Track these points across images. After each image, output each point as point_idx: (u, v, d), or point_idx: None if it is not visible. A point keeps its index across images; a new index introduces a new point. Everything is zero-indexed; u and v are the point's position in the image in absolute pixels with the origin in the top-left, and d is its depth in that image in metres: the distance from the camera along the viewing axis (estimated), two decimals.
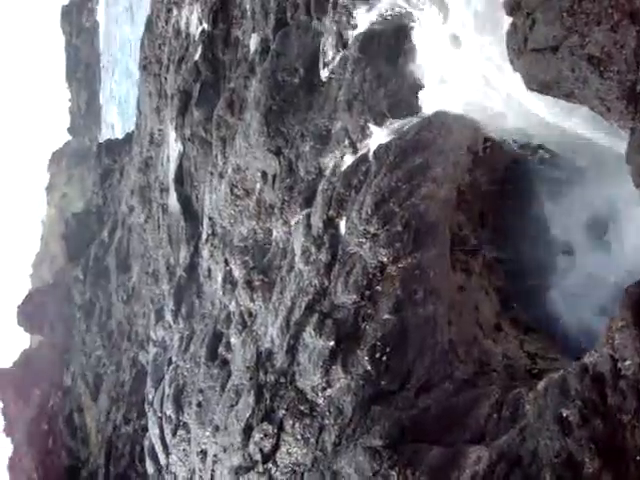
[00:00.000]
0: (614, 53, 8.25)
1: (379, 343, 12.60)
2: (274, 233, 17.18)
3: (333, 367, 13.19)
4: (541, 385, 9.23)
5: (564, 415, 8.29)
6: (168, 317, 23.32)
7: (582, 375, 8.34)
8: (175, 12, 26.80)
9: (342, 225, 14.42)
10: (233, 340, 17.94)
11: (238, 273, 18.33)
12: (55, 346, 40.20)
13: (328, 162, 15.41)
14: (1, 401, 46.35)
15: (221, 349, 18.43)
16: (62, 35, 66.44)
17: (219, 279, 19.65)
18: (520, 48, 10.07)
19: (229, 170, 19.30)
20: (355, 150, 14.72)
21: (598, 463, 7.63)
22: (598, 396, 7.97)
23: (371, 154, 14.29)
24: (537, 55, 9.68)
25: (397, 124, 13.93)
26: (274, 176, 17.20)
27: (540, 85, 9.89)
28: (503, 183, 15.01)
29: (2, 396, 46.10)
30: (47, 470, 36.22)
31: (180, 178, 24.55)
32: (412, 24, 13.58)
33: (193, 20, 25.11)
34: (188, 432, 19.33)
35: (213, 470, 16.96)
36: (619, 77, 8.23)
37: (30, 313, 43.51)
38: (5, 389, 45.59)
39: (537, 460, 8.45)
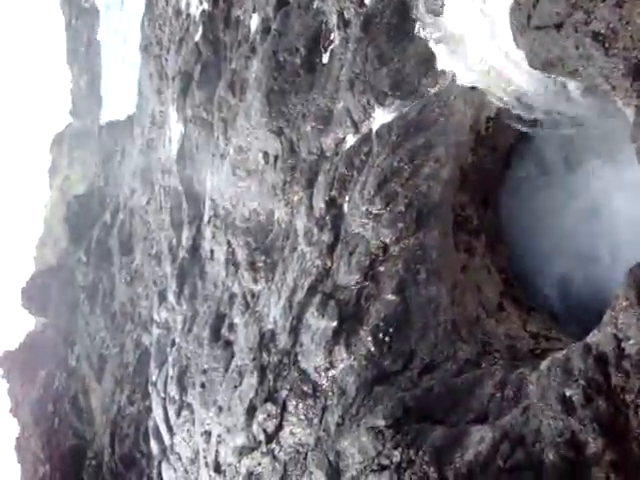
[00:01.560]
0: (620, 29, 8.11)
1: (382, 324, 12.61)
2: (276, 214, 17.15)
3: (336, 348, 13.23)
4: (544, 365, 9.21)
5: (567, 395, 8.28)
6: (171, 299, 23.40)
7: (585, 355, 8.32)
8: None
9: (344, 205, 14.38)
10: (236, 321, 18.00)
11: (241, 254, 18.34)
12: (59, 328, 40.42)
13: (330, 142, 15.33)
14: (7, 382, 46.74)
15: (224, 330, 18.51)
16: (62, 16, 65.94)
17: (222, 260, 19.67)
18: (523, 25, 9.92)
19: (231, 151, 19.22)
20: (357, 130, 14.63)
21: (602, 442, 7.63)
22: (601, 376, 7.95)
23: (373, 134, 14.20)
24: (541, 32, 9.52)
25: (399, 103, 13.81)
26: (276, 157, 17.13)
27: (544, 63, 9.76)
28: (506, 162, 14.91)
29: (8, 377, 46.48)
30: (53, 450, 36.62)
31: (182, 159, 24.48)
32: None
33: (193, 0, 24.86)
34: (192, 413, 19.48)
35: (217, 450, 17.11)
36: (625, 54, 8.10)
37: (34, 295, 43.72)
38: (11, 371, 45.96)
39: (540, 439, 8.46)
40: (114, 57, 58.74)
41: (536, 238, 14.12)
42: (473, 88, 12.82)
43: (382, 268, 13.05)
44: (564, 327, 13.27)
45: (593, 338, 8.42)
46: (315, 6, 16.45)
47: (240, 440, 15.70)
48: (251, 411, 15.35)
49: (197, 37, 23.59)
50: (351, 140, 14.72)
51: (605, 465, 7.57)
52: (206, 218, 21.35)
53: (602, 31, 8.40)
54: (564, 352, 8.92)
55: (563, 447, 8.06)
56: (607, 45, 8.33)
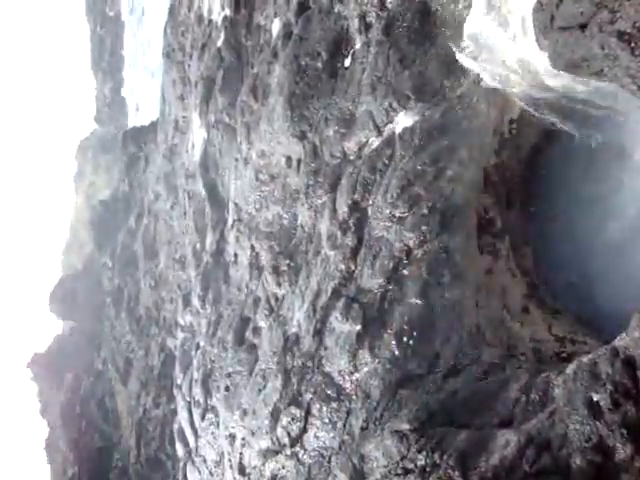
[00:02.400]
0: None
1: (406, 327, 12.59)
2: (300, 218, 17.19)
3: (360, 351, 13.23)
4: (570, 368, 9.12)
5: (594, 399, 8.18)
6: (195, 302, 23.55)
7: (613, 359, 8.22)
8: None
9: (368, 209, 14.37)
10: (260, 325, 18.06)
11: (264, 258, 18.41)
12: (86, 331, 40.93)
13: (353, 146, 15.32)
14: (37, 385, 47.44)
15: (248, 333, 18.58)
16: (87, 24, 66.88)
17: (245, 264, 19.76)
18: (547, 26, 9.83)
19: (254, 155, 19.32)
20: (380, 133, 14.61)
21: (631, 448, 7.53)
22: (630, 380, 7.85)
23: (396, 137, 14.17)
24: (565, 33, 9.43)
25: (422, 106, 13.77)
26: (299, 161, 17.17)
27: (568, 64, 9.66)
28: (530, 164, 14.79)
29: (37, 380, 47.17)
30: (81, 451, 37.06)
31: (205, 164, 24.64)
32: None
33: (215, 6, 25.04)
34: (216, 416, 19.59)
35: (241, 453, 17.19)
36: None
37: (61, 299, 44.29)
38: (40, 373, 46.64)
39: (567, 444, 8.37)
40: (138, 64, 59.45)
41: None
42: (496, 89, 12.75)
43: (406, 271, 13.03)
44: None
45: (621, 342, 8.32)
46: (336, 10, 16.47)
47: (264, 443, 15.76)
48: (275, 414, 15.40)
49: (219, 43, 23.75)
50: (374, 143, 14.70)
51: (635, 472, 7.47)
52: (230, 222, 21.47)
53: (628, 30, 8.29)
54: (591, 356, 8.82)
55: (590, 452, 7.97)
56: (633, 45, 8.23)
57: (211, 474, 20.06)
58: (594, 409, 8.15)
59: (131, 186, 39.52)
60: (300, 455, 14.48)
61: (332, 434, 13.52)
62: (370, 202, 14.23)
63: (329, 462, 13.42)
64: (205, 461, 20.60)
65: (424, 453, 10.24)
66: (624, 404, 7.76)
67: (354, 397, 13.10)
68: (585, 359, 8.92)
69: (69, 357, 42.64)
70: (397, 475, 10.54)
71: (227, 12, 23.60)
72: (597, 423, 8.00)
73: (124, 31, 61.96)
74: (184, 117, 27.83)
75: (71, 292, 43.34)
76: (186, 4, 28.04)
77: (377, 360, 12.79)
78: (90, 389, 38.61)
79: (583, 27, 9.06)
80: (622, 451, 7.58)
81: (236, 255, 20.78)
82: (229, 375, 18.99)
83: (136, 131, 41.73)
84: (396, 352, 12.52)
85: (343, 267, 14.35)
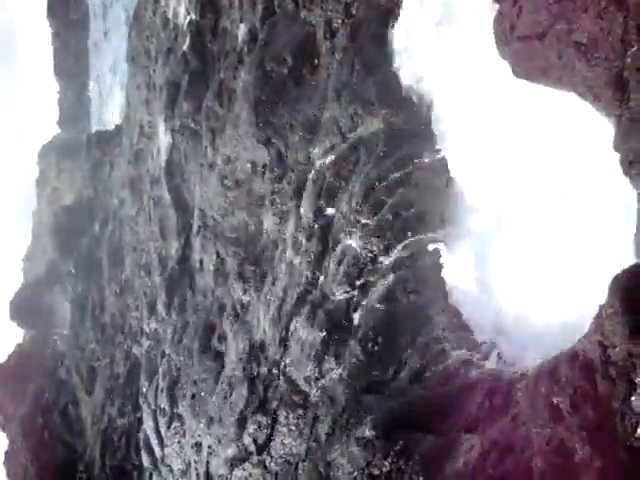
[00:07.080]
0: (601, 40, 8.19)
1: (371, 333, 12.61)
2: (265, 224, 17.14)
3: (325, 357, 13.23)
4: (532, 372, 9.24)
5: (555, 402, 8.29)
6: (161, 310, 23.29)
7: (572, 362, 8.34)
8: (163, 3, 26.55)
9: (333, 215, 14.40)
10: (226, 332, 17.95)
11: (230, 264, 18.31)
12: (49, 340, 40.11)
13: (318, 151, 15.35)
14: None
15: (214, 341, 18.45)
16: (49, 28, 65.64)
17: (211, 271, 19.63)
18: (507, 36, 10.02)
19: (219, 161, 19.22)
20: (345, 139, 14.66)
21: (589, 450, 7.65)
22: (588, 383, 7.97)
23: (361, 143, 14.23)
24: (524, 43, 9.61)
25: (386, 112, 13.85)
26: (264, 166, 17.14)
27: (527, 73, 9.84)
28: None
29: None
30: (43, 463, 36.22)
31: (170, 170, 24.42)
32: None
33: (181, 11, 24.87)
34: (183, 424, 19.39)
35: (208, 462, 17.04)
36: (606, 64, 8.17)
37: (23, 307, 43.32)
38: (0, 384, 45.50)
39: (529, 447, 8.47)
40: (102, 68, 58.67)
41: None
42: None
43: (370, 277, 13.07)
44: None
45: (580, 345, 8.45)
46: (302, 16, 16.50)
47: (231, 451, 15.65)
48: (242, 422, 15.31)
49: (185, 47, 23.57)
50: (339, 149, 14.75)
51: (593, 472, 7.59)
52: (195, 229, 21.31)
53: (584, 41, 8.48)
54: (551, 359, 8.94)
55: (551, 455, 8.07)
56: (589, 55, 8.42)
57: None
58: (555, 412, 8.25)
59: (95, 192, 38.94)
60: (267, 462, 14.40)
61: (298, 441, 13.48)
62: (335, 208, 14.26)
63: (296, 469, 13.36)
64: (172, 470, 20.34)
65: (389, 459, 10.28)
66: (583, 407, 7.88)
67: (320, 404, 13.07)
68: (546, 363, 9.05)
69: (31, 366, 41.71)
70: None
71: (193, 16, 23.45)
72: (558, 426, 8.11)
73: (89, 35, 60.99)
74: (149, 122, 27.56)
75: (33, 300, 42.42)
76: (151, 8, 27.80)
77: (342, 366, 12.80)
78: (53, 399, 37.80)
79: (542, 37, 9.24)
80: (581, 452, 7.69)
81: (201, 261, 20.63)
82: (195, 383, 18.82)
83: (101, 135, 41.16)
84: (361, 358, 12.54)
85: (308, 273, 14.35)
